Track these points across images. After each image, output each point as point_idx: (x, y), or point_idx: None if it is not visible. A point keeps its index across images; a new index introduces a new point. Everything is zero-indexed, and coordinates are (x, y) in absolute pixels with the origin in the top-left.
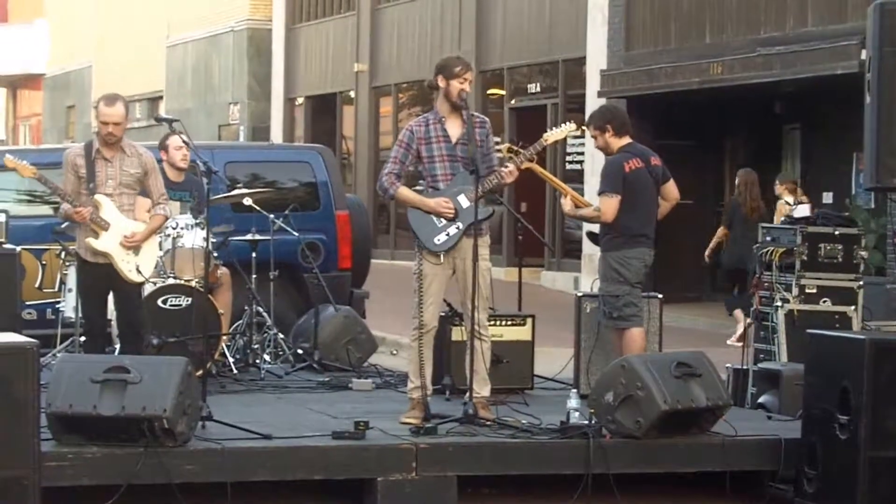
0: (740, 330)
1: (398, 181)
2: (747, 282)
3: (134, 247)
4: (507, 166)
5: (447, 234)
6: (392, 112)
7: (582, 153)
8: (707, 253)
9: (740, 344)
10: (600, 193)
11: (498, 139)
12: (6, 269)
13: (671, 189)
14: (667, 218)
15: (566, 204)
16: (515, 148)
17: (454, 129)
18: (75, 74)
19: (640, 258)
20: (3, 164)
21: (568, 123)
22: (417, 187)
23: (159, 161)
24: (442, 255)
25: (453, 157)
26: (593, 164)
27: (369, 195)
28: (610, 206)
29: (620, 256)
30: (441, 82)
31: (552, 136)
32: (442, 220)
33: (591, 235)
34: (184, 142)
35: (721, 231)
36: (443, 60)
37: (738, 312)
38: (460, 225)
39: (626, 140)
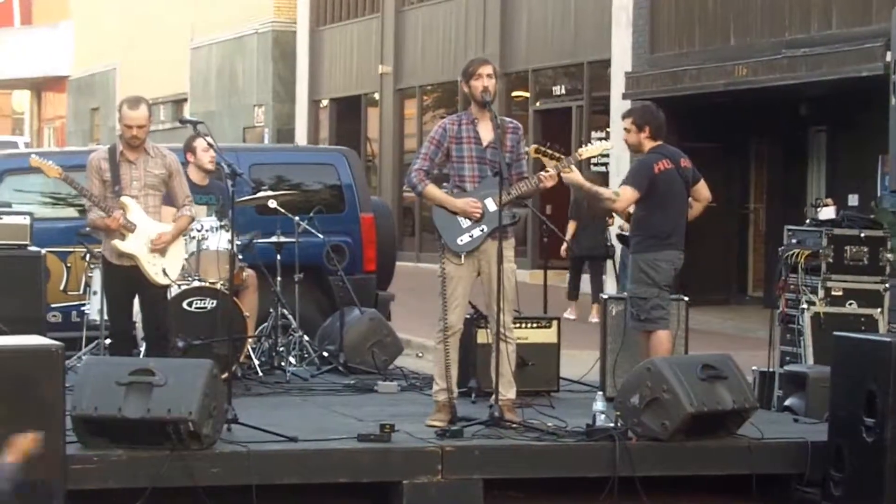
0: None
1: (427, 178)
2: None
3: (161, 249)
4: (547, 170)
5: (471, 236)
6: (416, 114)
7: (607, 155)
8: (564, 247)
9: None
10: (622, 184)
11: (525, 143)
12: (31, 271)
13: (702, 189)
14: (692, 220)
15: (572, 176)
16: (543, 148)
17: (486, 131)
18: (100, 77)
19: (669, 261)
20: (29, 166)
21: (604, 141)
22: (443, 189)
23: (184, 163)
24: (463, 257)
25: (482, 159)
26: (618, 165)
27: (394, 197)
28: (628, 196)
29: (650, 259)
30: (464, 87)
31: (587, 151)
32: (467, 221)
33: (620, 238)
34: (209, 144)
35: (572, 225)
36: (463, 68)
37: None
38: (485, 227)
39: (659, 143)
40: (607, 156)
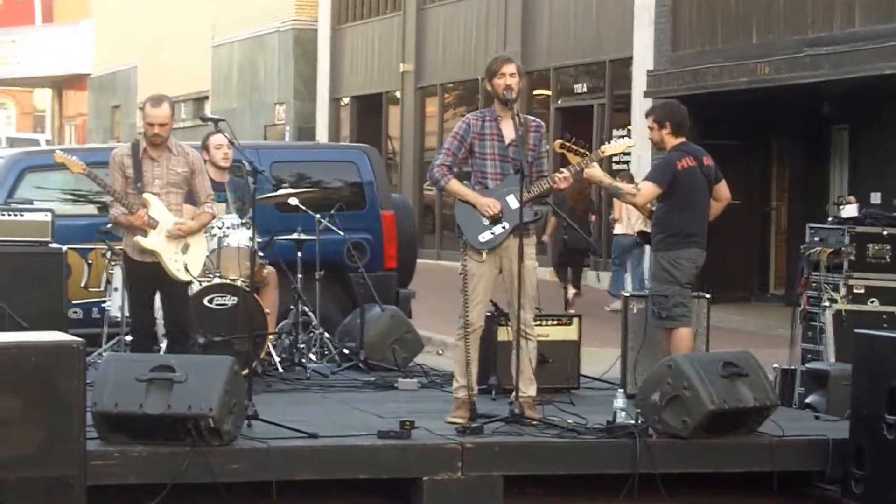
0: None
1: (450, 173)
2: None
3: (181, 237)
4: (561, 171)
5: (492, 234)
6: (437, 112)
7: (628, 153)
8: (546, 238)
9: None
10: (644, 179)
11: (547, 142)
12: (52, 268)
13: (723, 189)
14: (713, 220)
15: (593, 172)
16: (567, 143)
17: (508, 130)
18: (121, 75)
19: (691, 259)
20: (50, 163)
21: (627, 139)
22: (465, 185)
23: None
24: (485, 254)
25: (504, 157)
26: (639, 164)
27: (415, 195)
28: (649, 191)
29: (672, 257)
30: (487, 85)
31: (610, 149)
32: (489, 218)
33: (642, 235)
34: (230, 141)
35: (554, 221)
36: (486, 66)
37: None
38: (506, 225)
39: (681, 140)
40: (629, 154)
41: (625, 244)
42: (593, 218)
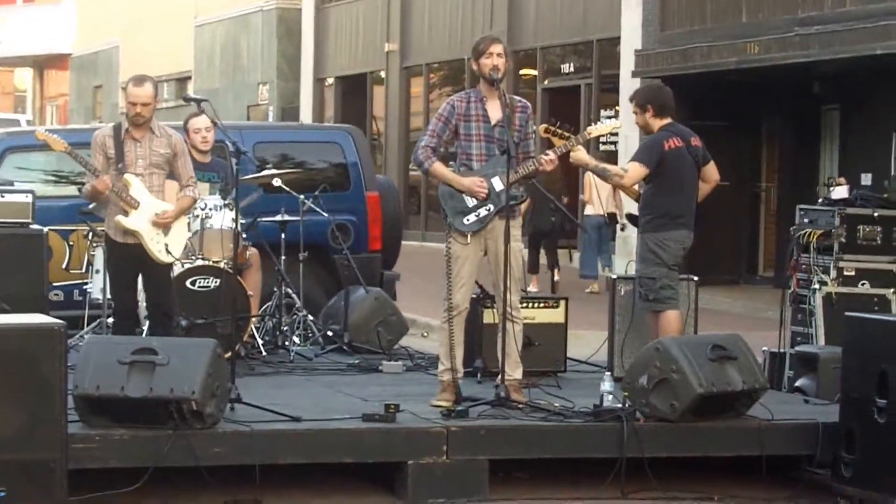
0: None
1: (434, 155)
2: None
3: (164, 225)
4: (547, 153)
5: (477, 216)
6: (423, 92)
7: (616, 134)
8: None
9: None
10: (631, 160)
11: (533, 123)
12: (33, 250)
13: (711, 171)
14: (705, 200)
15: (579, 156)
16: (553, 128)
17: (494, 110)
18: (103, 54)
19: (678, 240)
20: (31, 144)
21: (613, 120)
22: (450, 168)
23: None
24: (470, 236)
25: (490, 138)
26: (627, 145)
27: (400, 176)
28: (636, 172)
29: (659, 238)
30: (474, 65)
31: (596, 130)
32: (473, 200)
33: (630, 217)
34: (212, 122)
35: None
36: (472, 46)
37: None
38: (491, 207)
39: (668, 120)
40: (616, 135)
41: (594, 224)
42: (565, 200)
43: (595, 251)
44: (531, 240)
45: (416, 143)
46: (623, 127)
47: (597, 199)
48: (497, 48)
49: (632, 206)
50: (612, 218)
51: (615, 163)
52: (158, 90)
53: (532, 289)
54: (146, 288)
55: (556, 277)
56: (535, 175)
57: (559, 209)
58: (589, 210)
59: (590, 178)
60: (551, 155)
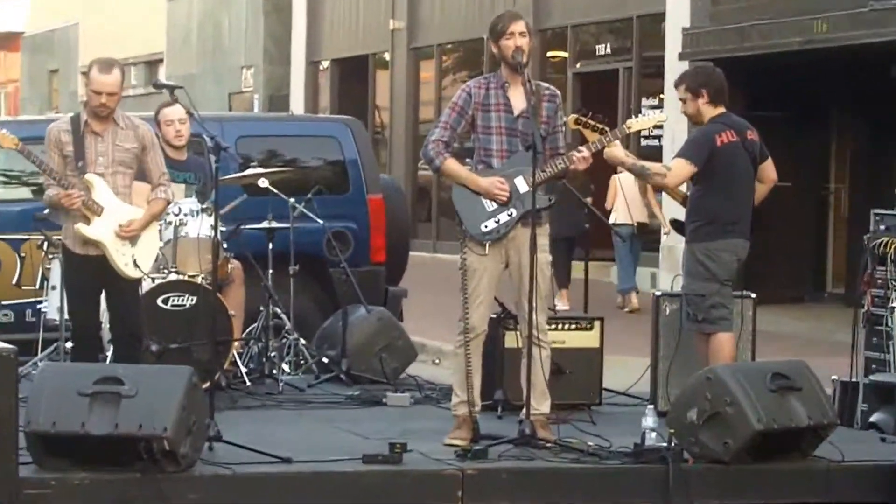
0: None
1: (447, 150)
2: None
3: (130, 236)
4: (580, 150)
5: (497, 221)
6: (434, 77)
7: (660, 127)
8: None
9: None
10: (676, 156)
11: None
12: None
13: (768, 169)
14: (762, 203)
15: (614, 152)
16: (584, 119)
17: (518, 98)
18: (60, 34)
19: (731, 251)
20: None
21: (657, 111)
22: (465, 166)
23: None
24: (489, 246)
25: (513, 131)
26: (673, 141)
27: (407, 176)
28: (681, 170)
29: (709, 248)
30: (493, 47)
31: (637, 123)
32: (493, 203)
33: (675, 223)
34: (188, 113)
35: None
36: (490, 25)
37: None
38: (513, 211)
39: (721, 110)
40: (661, 128)
41: (623, 235)
42: (589, 201)
43: (627, 262)
44: (557, 245)
45: (426, 136)
46: (668, 119)
47: (622, 205)
48: (518, 26)
49: (677, 211)
50: (677, 226)
51: (659, 160)
52: (125, 76)
53: (561, 306)
54: (110, 307)
55: (564, 302)
56: (566, 175)
57: (593, 213)
58: (613, 218)
59: (615, 181)
60: (585, 152)
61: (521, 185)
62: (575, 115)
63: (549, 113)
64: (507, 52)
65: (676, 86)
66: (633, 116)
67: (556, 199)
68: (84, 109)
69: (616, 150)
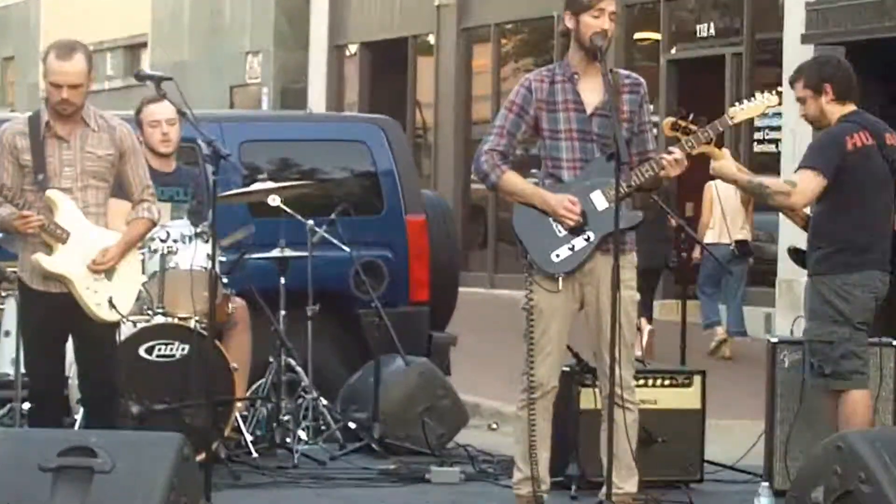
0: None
1: (504, 162)
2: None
3: (105, 269)
4: (670, 152)
5: (571, 249)
6: (491, 65)
7: (778, 128)
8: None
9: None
10: (800, 168)
11: (651, 108)
12: None
13: None
14: None
15: (723, 165)
16: (683, 124)
17: (592, 92)
18: (16, 11)
19: (867, 286)
20: None
21: (767, 94)
22: (531, 179)
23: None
24: (561, 280)
25: (586, 134)
26: (795, 144)
27: (456, 191)
28: (809, 184)
29: (839, 283)
30: (569, 21)
31: (741, 112)
32: (565, 226)
33: (793, 252)
34: (179, 111)
35: None
36: None
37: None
38: (591, 235)
39: (851, 108)
40: (778, 129)
41: (717, 260)
42: (672, 221)
43: (714, 293)
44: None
45: (479, 145)
46: (790, 117)
47: (720, 220)
48: (611, 4)
49: (794, 235)
50: (741, 247)
51: (776, 171)
52: (100, 63)
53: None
54: (79, 358)
55: (646, 333)
56: (657, 186)
57: (686, 234)
58: (708, 237)
59: (711, 190)
60: (677, 153)
61: (600, 201)
62: (672, 119)
63: (632, 107)
64: (585, 32)
65: (792, 83)
66: (737, 104)
67: (643, 219)
68: (45, 107)
69: (725, 164)
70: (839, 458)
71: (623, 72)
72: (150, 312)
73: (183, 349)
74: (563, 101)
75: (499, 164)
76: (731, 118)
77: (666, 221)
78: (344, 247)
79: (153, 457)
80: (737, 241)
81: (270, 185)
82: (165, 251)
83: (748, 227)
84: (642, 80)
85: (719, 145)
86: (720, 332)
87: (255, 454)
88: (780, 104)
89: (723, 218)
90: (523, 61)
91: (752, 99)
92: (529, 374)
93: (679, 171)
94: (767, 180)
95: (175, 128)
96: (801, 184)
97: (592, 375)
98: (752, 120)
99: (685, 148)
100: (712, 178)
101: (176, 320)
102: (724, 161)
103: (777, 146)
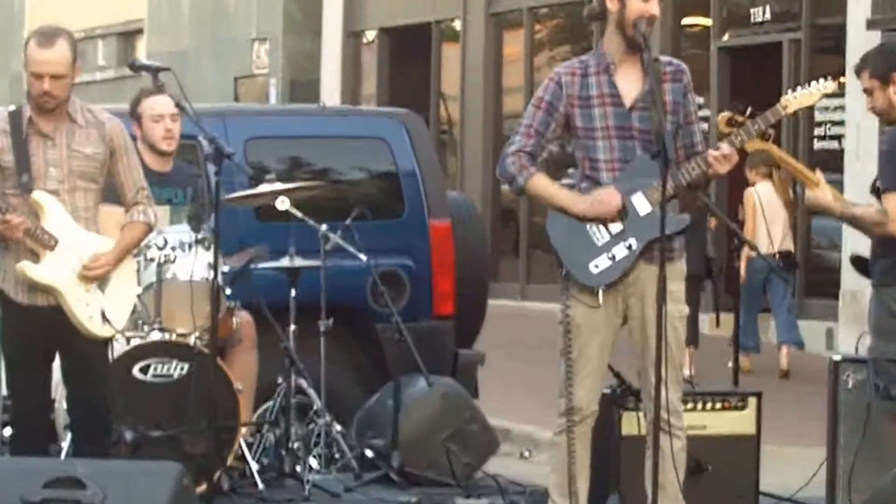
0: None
1: (532, 164)
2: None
3: (97, 278)
4: (719, 147)
5: (611, 259)
6: (523, 54)
7: (841, 122)
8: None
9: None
10: (884, 190)
11: (701, 100)
12: None
13: None
14: None
15: (818, 196)
16: (741, 119)
17: (630, 83)
18: None
19: None
20: None
21: (822, 81)
22: (566, 181)
23: (133, 137)
24: (602, 293)
25: (625, 130)
26: (859, 140)
27: (486, 193)
28: None
29: None
30: (610, 3)
31: (795, 101)
32: (604, 231)
33: (857, 262)
34: (178, 105)
35: None
36: None
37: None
38: (633, 242)
39: None
40: (841, 123)
41: (758, 269)
42: (712, 224)
43: (753, 307)
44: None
45: (505, 145)
46: (851, 106)
47: (764, 232)
48: None
49: (860, 244)
50: (786, 259)
51: (839, 170)
52: (91, 52)
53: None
54: (68, 379)
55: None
56: (705, 184)
57: (741, 240)
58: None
59: (753, 196)
60: (725, 148)
61: (642, 204)
62: (728, 114)
63: (676, 97)
64: (629, 18)
65: (858, 72)
66: (790, 92)
67: (690, 223)
68: (28, 102)
69: (821, 195)
70: None
71: (664, 58)
72: (145, 328)
73: (182, 368)
74: (599, 96)
75: (526, 166)
76: (785, 108)
77: (705, 224)
78: (360, 255)
79: (148, 488)
80: (780, 253)
81: (279, 186)
82: (163, 260)
83: (790, 236)
84: (685, 66)
85: (776, 142)
86: (745, 362)
87: (261, 485)
88: (839, 91)
89: (764, 224)
90: (558, 49)
91: (807, 86)
92: (567, 397)
93: (728, 167)
94: (859, 211)
95: (176, 123)
96: (892, 210)
97: (636, 398)
98: (811, 114)
99: (734, 143)
100: (747, 182)
101: (174, 336)
102: (819, 192)
103: (840, 143)
